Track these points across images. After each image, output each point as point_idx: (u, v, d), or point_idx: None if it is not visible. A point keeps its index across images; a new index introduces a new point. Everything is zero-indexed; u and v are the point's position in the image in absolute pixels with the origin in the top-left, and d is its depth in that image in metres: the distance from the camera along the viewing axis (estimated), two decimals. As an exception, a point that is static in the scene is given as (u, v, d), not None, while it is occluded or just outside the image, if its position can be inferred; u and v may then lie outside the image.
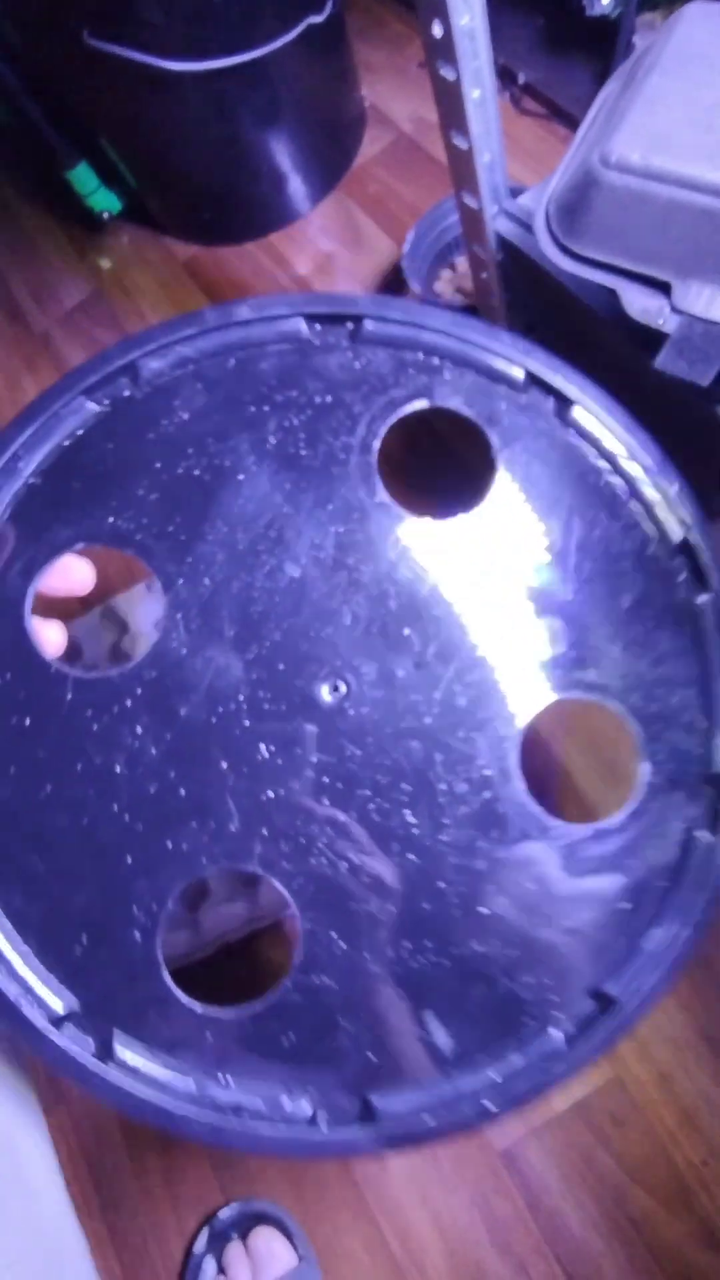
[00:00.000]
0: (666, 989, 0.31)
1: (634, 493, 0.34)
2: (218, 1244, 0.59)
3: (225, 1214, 0.60)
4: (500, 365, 0.34)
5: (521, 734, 0.32)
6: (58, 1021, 0.29)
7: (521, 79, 0.90)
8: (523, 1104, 0.30)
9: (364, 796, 0.31)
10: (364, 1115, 0.30)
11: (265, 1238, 0.56)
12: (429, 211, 0.78)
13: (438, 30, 0.45)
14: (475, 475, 0.35)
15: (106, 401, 0.33)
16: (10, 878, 0.29)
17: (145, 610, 0.62)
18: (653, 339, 0.44)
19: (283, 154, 0.91)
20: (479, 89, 0.47)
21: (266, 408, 0.33)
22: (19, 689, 0.30)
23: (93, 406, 0.33)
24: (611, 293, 0.46)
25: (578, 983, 0.31)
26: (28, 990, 0.29)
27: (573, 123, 0.90)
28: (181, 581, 0.32)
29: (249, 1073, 0.30)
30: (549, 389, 0.34)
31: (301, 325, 0.34)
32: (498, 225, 0.54)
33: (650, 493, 0.33)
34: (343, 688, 0.32)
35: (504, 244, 0.55)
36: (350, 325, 0.34)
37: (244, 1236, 0.59)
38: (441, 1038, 0.31)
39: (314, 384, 0.33)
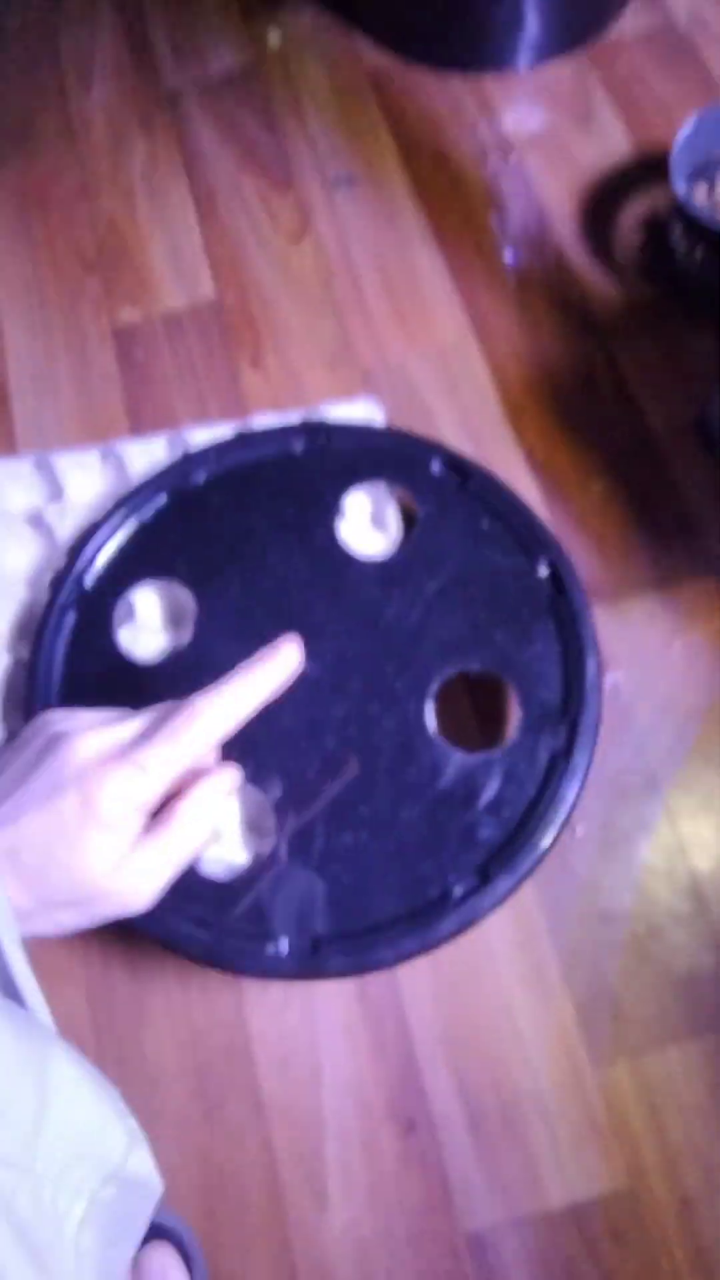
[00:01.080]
0: (530, 872, 0.42)
1: (512, 533, 0.49)
2: None
3: None
4: (420, 456, 0.52)
5: (434, 693, 0.46)
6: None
7: None
8: (420, 949, 0.42)
9: (327, 732, 0.46)
10: (313, 951, 0.42)
11: (159, 1256, 0.43)
12: (712, 103, 0.64)
13: None
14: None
15: (168, 495, 0.53)
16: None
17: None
18: None
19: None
20: None
21: (271, 494, 0.52)
22: (109, 680, 0.48)
23: (163, 497, 0.53)
24: None
25: (467, 864, 0.43)
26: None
27: None
28: (211, 600, 0.50)
29: (233, 920, 0.43)
30: (454, 468, 0.51)
31: (294, 444, 0.53)
32: None
33: (523, 534, 0.49)
34: (314, 664, 0.48)
35: None
36: (324, 439, 0.53)
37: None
38: (371, 901, 0.43)
39: (300, 476, 0.52)
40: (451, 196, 0.71)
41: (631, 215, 0.69)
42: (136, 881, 0.34)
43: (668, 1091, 0.49)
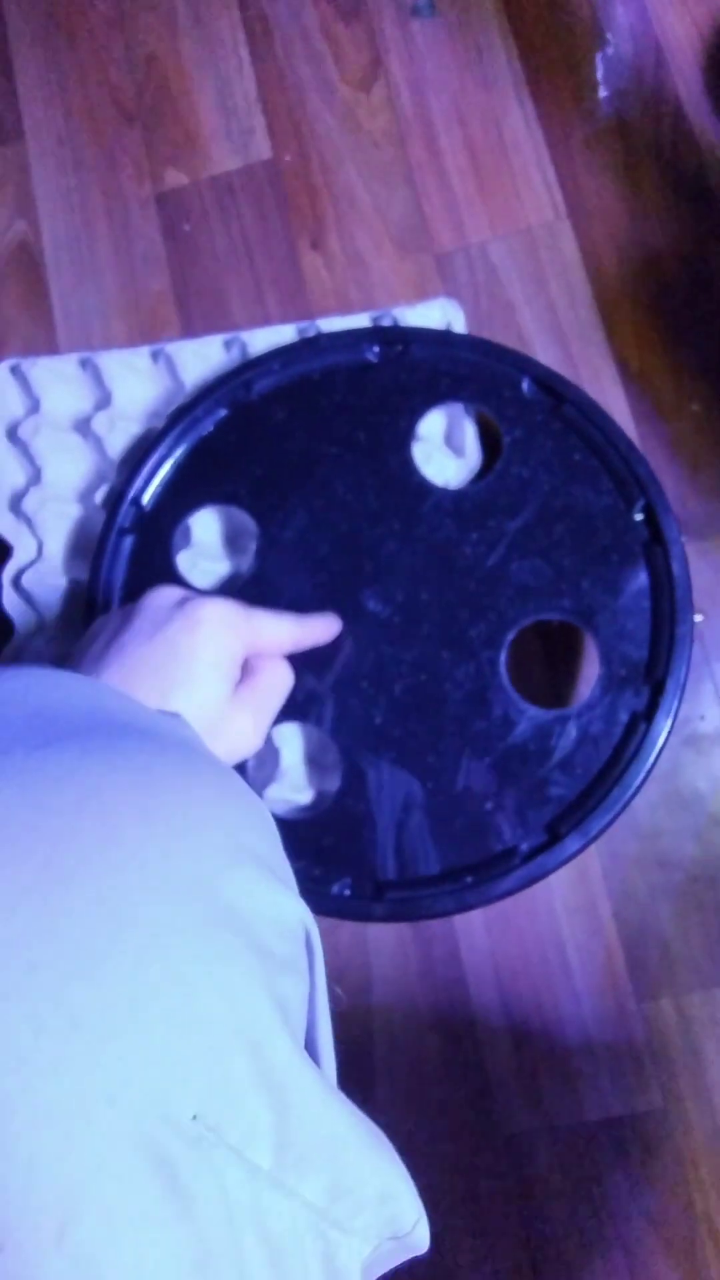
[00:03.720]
0: (602, 833, 0.41)
1: (607, 469, 0.45)
2: None
3: None
4: (509, 373, 0.46)
5: (509, 642, 0.44)
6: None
7: None
8: (482, 902, 0.42)
9: (396, 678, 0.44)
10: (376, 894, 0.42)
11: None
12: None
13: None
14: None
15: (227, 408, 0.48)
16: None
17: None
18: None
19: None
20: None
21: (339, 410, 0.47)
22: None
23: (222, 410, 0.48)
24: None
25: (536, 821, 0.42)
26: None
27: None
28: (274, 528, 0.47)
29: (301, 864, 0.43)
30: (546, 390, 0.46)
31: (366, 352, 0.48)
32: None
33: (620, 470, 0.44)
34: (383, 604, 0.45)
35: None
36: (400, 348, 0.48)
37: None
38: (434, 850, 0.43)
39: (373, 392, 0.47)
40: (551, 29, 0.60)
41: (768, 61, 0.58)
42: (243, 722, 0.37)
43: (710, 1030, 0.50)
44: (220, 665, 0.35)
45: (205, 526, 0.49)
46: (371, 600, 0.45)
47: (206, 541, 0.49)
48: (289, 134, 0.60)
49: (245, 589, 0.46)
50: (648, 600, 0.43)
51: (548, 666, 0.50)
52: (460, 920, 0.51)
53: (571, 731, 0.43)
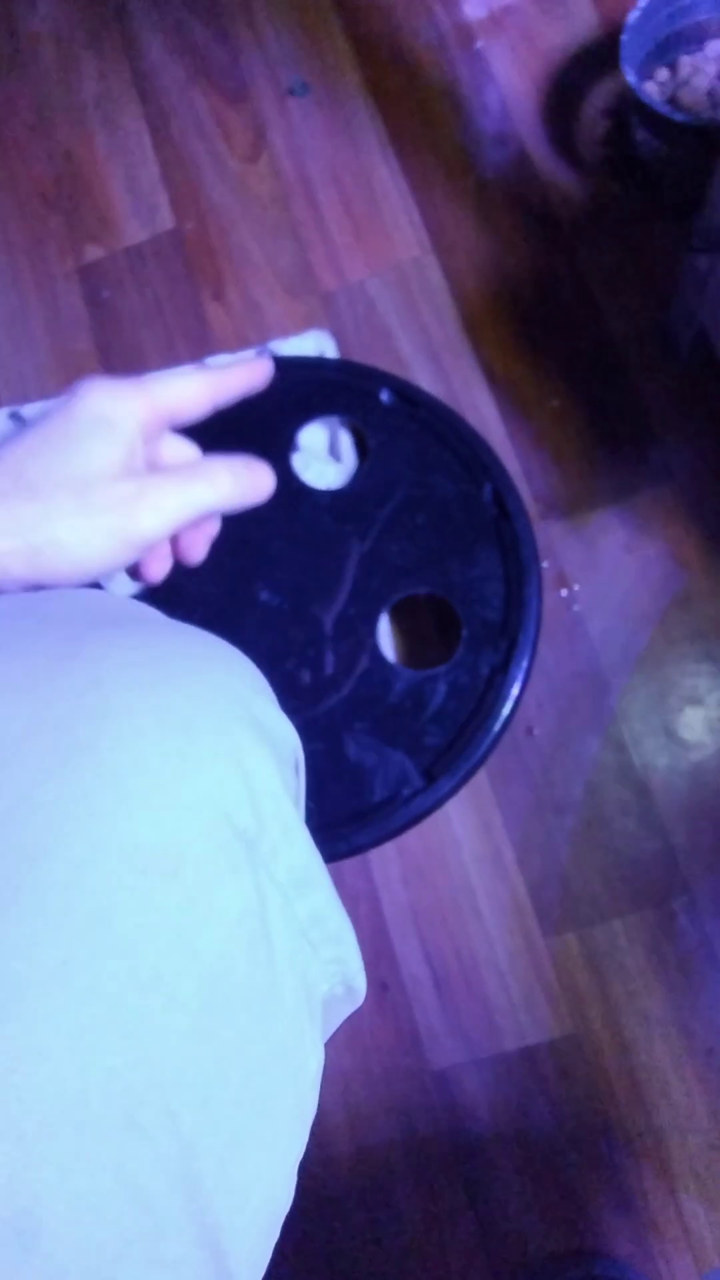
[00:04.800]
0: (470, 773, 0.47)
1: (458, 459, 0.52)
2: None
3: None
4: (370, 387, 0.53)
5: (384, 614, 0.50)
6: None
7: None
8: (372, 843, 0.47)
9: (287, 656, 0.51)
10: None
11: None
12: None
13: None
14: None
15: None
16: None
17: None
18: None
19: None
20: None
21: (227, 431, 0.55)
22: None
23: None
24: None
25: (415, 768, 0.48)
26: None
27: None
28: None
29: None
30: (403, 398, 0.53)
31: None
32: None
33: (468, 459, 0.51)
34: (273, 594, 0.52)
35: None
36: (278, 375, 0.55)
37: None
38: (325, 803, 0.48)
39: (256, 413, 0.55)
40: (409, 96, 0.69)
41: (595, 104, 0.66)
42: (146, 504, 0.30)
43: (611, 957, 0.55)
44: (105, 422, 0.30)
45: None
46: (264, 592, 0.52)
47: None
48: (189, 205, 0.69)
49: (155, 597, 0.53)
50: (500, 568, 0.50)
51: (439, 632, 0.57)
52: (379, 875, 0.57)
53: (441, 688, 0.48)
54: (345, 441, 0.56)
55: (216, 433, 0.56)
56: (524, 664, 0.48)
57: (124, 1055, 0.17)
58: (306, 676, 0.50)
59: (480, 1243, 0.54)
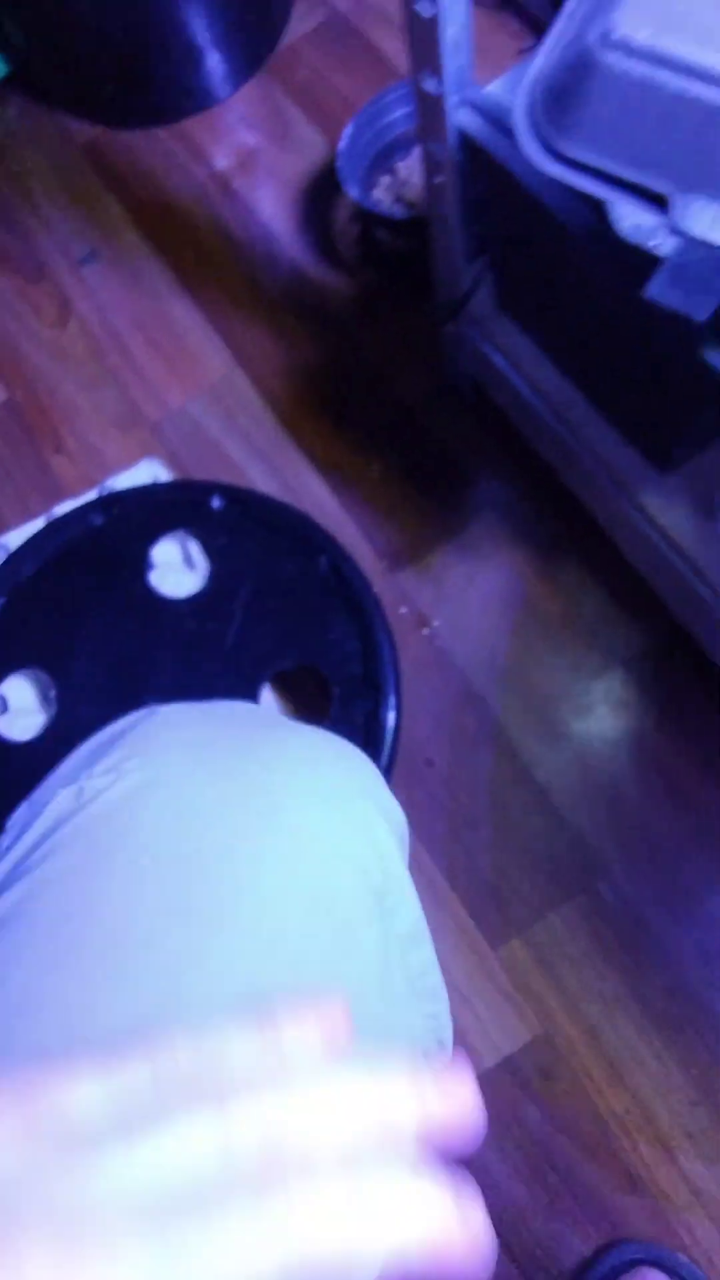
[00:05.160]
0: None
1: (293, 540, 0.58)
2: None
3: None
4: (201, 498, 0.59)
5: (264, 691, 0.55)
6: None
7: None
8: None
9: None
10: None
11: None
12: (368, 104, 0.67)
13: None
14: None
15: (5, 595, 0.60)
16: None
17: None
18: (642, 264, 0.38)
19: (198, 23, 0.75)
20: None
21: (88, 568, 0.60)
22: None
23: (2, 599, 0.60)
24: (595, 206, 0.40)
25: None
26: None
27: (528, 18, 0.75)
28: (66, 675, 0.58)
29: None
30: (231, 499, 0.59)
31: (94, 519, 0.61)
32: (460, 118, 0.47)
33: (300, 539, 0.57)
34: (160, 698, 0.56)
35: (466, 142, 0.47)
36: (117, 508, 0.61)
37: None
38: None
39: (107, 546, 0.60)
40: (186, 242, 0.78)
41: (342, 214, 0.76)
42: None
43: (556, 949, 0.58)
44: None
45: (18, 690, 0.60)
46: (152, 700, 0.56)
47: (21, 702, 0.60)
48: (15, 377, 0.76)
49: (56, 731, 0.57)
50: (352, 626, 0.55)
51: (322, 694, 0.61)
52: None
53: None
54: (195, 550, 0.61)
55: (82, 572, 0.61)
56: (392, 703, 0.53)
57: None
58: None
59: (511, 1267, 0.54)
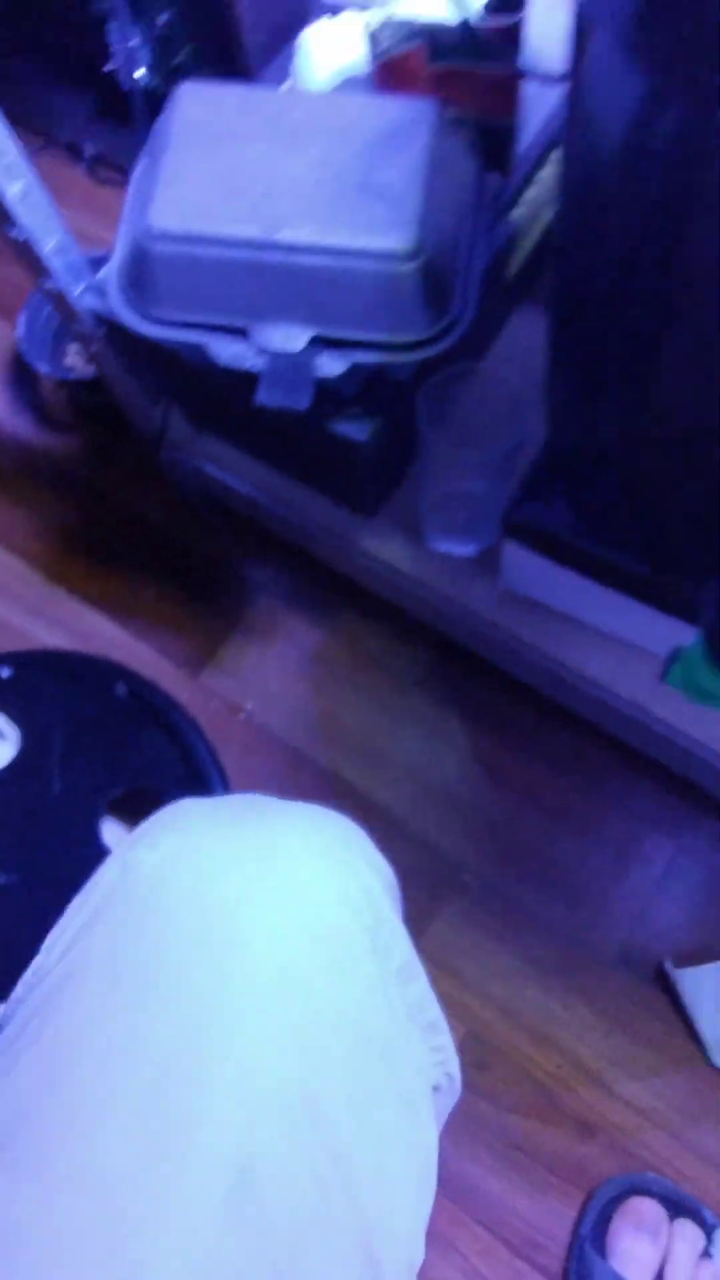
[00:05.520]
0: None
1: (85, 680, 0.61)
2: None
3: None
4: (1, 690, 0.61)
5: (100, 830, 0.57)
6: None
7: (89, 151, 0.88)
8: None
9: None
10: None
11: None
12: (35, 291, 0.66)
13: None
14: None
15: None
16: None
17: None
18: (251, 379, 0.48)
19: None
20: (17, 182, 0.47)
21: None
22: None
23: None
24: (203, 347, 0.48)
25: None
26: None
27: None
28: None
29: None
30: (14, 664, 0.62)
31: None
32: (86, 301, 0.54)
33: (93, 675, 0.61)
34: (12, 877, 0.56)
35: (100, 318, 0.55)
36: None
37: None
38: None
39: None
40: None
41: (47, 382, 0.82)
42: None
43: (449, 950, 0.63)
44: None
45: None
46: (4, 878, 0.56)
47: None
48: None
49: None
50: (164, 738, 0.59)
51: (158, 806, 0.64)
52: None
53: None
54: (4, 723, 0.63)
55: None
56: (220, 790, 0.57)
57: (301, 1067, 0.27)
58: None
59: (518, 1262, 0.56)
